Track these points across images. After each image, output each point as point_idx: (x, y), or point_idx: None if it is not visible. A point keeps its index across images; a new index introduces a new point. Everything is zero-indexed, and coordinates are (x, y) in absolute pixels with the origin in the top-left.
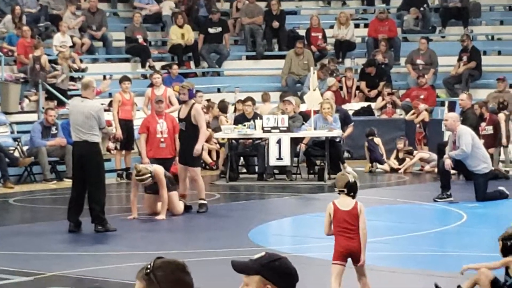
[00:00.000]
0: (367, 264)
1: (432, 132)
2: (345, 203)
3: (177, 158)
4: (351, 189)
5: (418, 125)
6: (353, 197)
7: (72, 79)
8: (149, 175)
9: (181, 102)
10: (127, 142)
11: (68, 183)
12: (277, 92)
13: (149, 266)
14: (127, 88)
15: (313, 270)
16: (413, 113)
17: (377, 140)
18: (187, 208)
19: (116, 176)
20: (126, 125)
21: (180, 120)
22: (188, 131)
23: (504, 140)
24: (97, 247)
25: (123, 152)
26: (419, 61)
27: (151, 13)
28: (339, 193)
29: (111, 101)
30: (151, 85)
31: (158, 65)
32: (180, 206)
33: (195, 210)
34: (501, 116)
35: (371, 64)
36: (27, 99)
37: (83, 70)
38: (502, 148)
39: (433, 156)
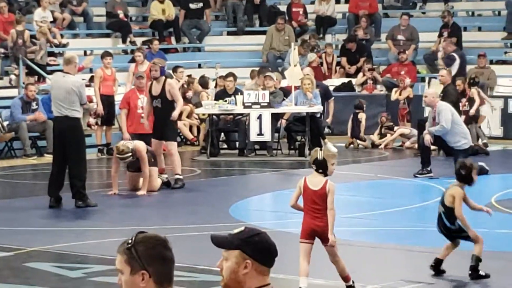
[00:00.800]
0: (347, 239)
1: (412, 108)
2: (315, 181)
3: None
4: (319, 166)
5: (402, 101)
6: (324, 174)
7: (52, 54)
8: (130, 153)
9: (153, 78)
10: (108, 118)
11: (48, 158)
12: (258, 68)
13: (130, 241)
14: (109, 64)
15: (293, 245)
16: (397, 90)
17: (361, 115)
18: (168, 184)
19: (97, 152)
20: (108, 100)
21: (154, 97)
22: (164, 107)
23: (472, 111)
24: (78, 223)
25: (104, 127)
26: (400, 37)
27: None
28: (311, 167)
29: (92, 77)
30: (134, 60)
31: (139, 40)
32: (157, 182)
33: (167, 186)
34: (474, 92)
35: (351, 40)
36: (13, 75)
37: (64, 46)
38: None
39: (414, 132)
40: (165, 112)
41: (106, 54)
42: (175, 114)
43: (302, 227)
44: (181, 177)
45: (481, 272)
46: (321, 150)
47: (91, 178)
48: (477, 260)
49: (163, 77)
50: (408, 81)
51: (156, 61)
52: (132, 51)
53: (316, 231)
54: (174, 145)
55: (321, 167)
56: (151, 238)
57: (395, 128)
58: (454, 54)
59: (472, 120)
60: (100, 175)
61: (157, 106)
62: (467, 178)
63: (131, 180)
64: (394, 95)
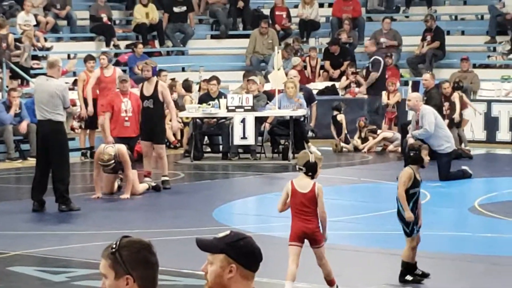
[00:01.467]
0: (331, 243)
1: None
2: (303, 184)
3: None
4: (310, 169)
5: (391, 106)
6: (312, 177)
7: (36, 58)
8: (113, 160)
9: (144, 79)
10: (92, 121)
11: (32, 162)
12: (242, 71)
13: (114, 245)
14: (92, 67)
15: (277, 249)
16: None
17: (340, 117)
18: (157, 189)
19: (80, 155)
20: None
21: (145, 97)
22: (155, 108)
23: (456, 116)
24: (61, 227)
25: (88, 131)
26: (382, 40)
27: None
28: (298, 171)
29: (75, 80)
30: (118, 64)
31: (122, 44)
32: (139, 186)
33: (156, 190)
34: (456, 95)
35: (335, 43)
36: None
37: (48, 49)
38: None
39: (397, 135)
40: (156, 113)
41: (89, 57)
42: (175, 124)
43: (291, 230)
44: (168, 178)
45: (408, 277)
46: (311, 153)
47: (74, 181)
48: (405, 265)
49: (155, 78)
50: (398, 84)
51: (148, 62)
52: (116, 55)
53: (306, 233)
54: (163, 147)
55: (312, 170)
56: (135, 242)
57: (378, 131)
58: (378, 57)
59: (454, 124)
60: (84, 178)
61: (148, 107)
62: (417, 159)
63: (106, 181)
64: (385, 99)
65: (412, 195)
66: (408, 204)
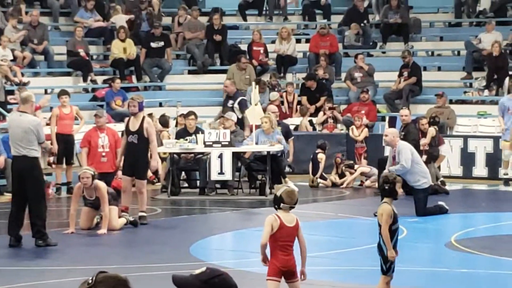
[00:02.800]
0: (308, 278)
1: (372, 147)
2: (289, 219)
3: (119, 172)
4: (295, 204)
5: (360, 141)
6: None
7: (13, 92)
8: (92, 172)
9: (131, 114)
10: (67, 156)
11: (8, 197)
12: (219, 107)
13: (90, 281)
14: (65, 102)
15: (254, 284)
16: (353, 128)
17: (321, 157)
18: (134, 224)
19: (55, 191)
20: (64, 139)
21: (130, 132)
22: (140, 144)
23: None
24: (38, 262)
25: (64, 166)
26: (357, 74)
27: (93, 27)
28: (290, 209)
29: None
30: (95, 99)
31: (100, 79)
32: (118, 221)
33: (133, 225)
34: (431, 130)
35: (311, 78)
36: None
37: (25, 84)
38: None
39: (374, 170)
40: (140, 148)
41: (62, 92)
42: (154, 164)
43: (273, 263)
44: (145, 214)
45: None
46: (295, 191)
47: (51, 216)
48: None
49: (142, 113)
50: (364, 121)
51: (134, 97)
52: (94, 90)
53: (288, 268)
54: (144, 183)
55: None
56: (111, 278)
57: (356, 166)
58: (244, 97)
59: (431, 159)
60: (60, 213)
61: (132, 142)
62: (392, 192)
63: (86, 216)
64: (354, 133)
65: (394, 231)
66: (391, 241)
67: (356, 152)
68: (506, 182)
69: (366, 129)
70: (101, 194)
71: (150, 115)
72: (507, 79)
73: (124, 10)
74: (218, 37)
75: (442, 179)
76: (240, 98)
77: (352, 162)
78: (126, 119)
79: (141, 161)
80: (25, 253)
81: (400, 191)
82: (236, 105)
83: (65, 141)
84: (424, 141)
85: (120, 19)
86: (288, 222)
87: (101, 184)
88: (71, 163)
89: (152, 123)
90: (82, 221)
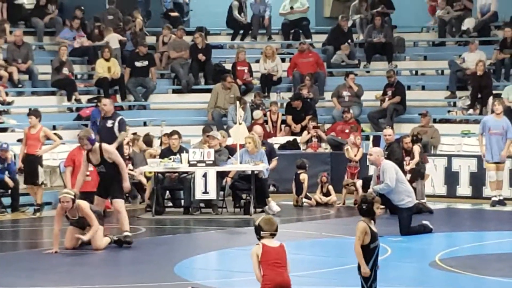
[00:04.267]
0: None
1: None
2: (272, 242)
3: None
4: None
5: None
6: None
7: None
8: (72, 196)
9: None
10: (32, 177)
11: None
12: (203, 126)
13: None
14: (31, 123)
15: None
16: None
17: (303, 177)
18: (119, 242)
19: (32, 212)
20: (28, 159)
21: (96, 165)
22: (108, 171)
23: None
24: (21, 282)
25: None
26: (345, 93)
27: (77, 47)
28: (271, 236)
29: None
30: (80, 118)
31: (84, 98)
32: (103, 241)
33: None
34: (416, 148)
35: (297, 98)
36: None
37: (9, 103)
38: (420, 180)
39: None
40: (110, 174)
41: (29, 113)
42: (126, 185)
43: (266, 284)
44: (130, 234)
45: None
46: (273, 218)
47: (34, 236)
48: None
49: (97, 145)
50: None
51: (81, 135)
52: (78, 109)
53: (283, 285)
54: (120, 202)
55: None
56: None
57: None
58: (122, 116)
59: (418, 176)
60: (41, 233)
61: (101, 171)
62: (370, 212)
63: (71, 236)
64: (350, 154)
65: (373, 249)
66: (370, 259)
67: (348, 171)
68: (499, 202)
69: (361, 149)
70: (85, 213)
71: (134, 134)
72: (490, 98)
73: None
74: (202, 57)
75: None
76: (120, 117)
77: (352, 181)
78: (85, 154)
79: (114, 183)
80: (8, 273)
81: (378, 211)
82: (116, 124)
83: (28, 161)
84: (414, 161)
85: (113, 38)
86: (272, 244)
87: (83, 204)
88: (35, 184)
89: (111, 150)
90: (66, 240)
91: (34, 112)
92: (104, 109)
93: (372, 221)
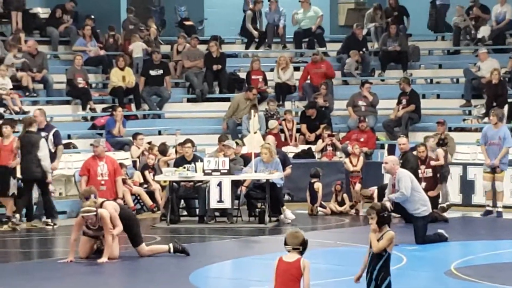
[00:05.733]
0: None
1: (371, 175)
2: (290, 256)
3: (118, 201)
4: (305, 247)
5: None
6: (302, 253)
7: (13, 121)
8: (94, 212)
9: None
10: (2, 188)
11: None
12: (218, 135)
13: None
14: (5, 133)
15: None
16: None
17: (317, 185)
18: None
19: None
20: (1, 171)
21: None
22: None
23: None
24: None
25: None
26: (361, 103)
27: (92, 56)
28: (292, 250)
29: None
30: (94, 127)
31: (99, 107)
32: (117, 250)
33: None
34: (440, 152)
35: (312, 106)
36: None
37: (24, 112)
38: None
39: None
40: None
41: (2, 122)
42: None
43: None
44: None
45: None
46: (299, 232)
47: (47, 245)
48: None
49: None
50: (361, 149)
51: (83, 213)
52: (93, 118)
53: None
54: (143, 246)
55: (306, 247)
56: None
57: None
58: (56, 128)
59: (442, 180)
60: (56, 243)
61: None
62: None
63: (84, 246)
64: (349, 166)
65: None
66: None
67: (351, 181)
68: (491, 212)
69: (362, 158)
70: (104, 223)
71: (149, 143)
72: (506, 106)
73: (123, 39)
74: (217, 67)
75: (445, 204)
76: (54, 130)
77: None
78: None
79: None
80: (24, 282)
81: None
82: (50, 137)
83: (1, 173)
84: (438, 163)
85: (137, 46)
86: (287, 258)
87: (105, 213)
88: (6, 196)
89: (105, 216)
90: (81, 250)
91: (9, 122)
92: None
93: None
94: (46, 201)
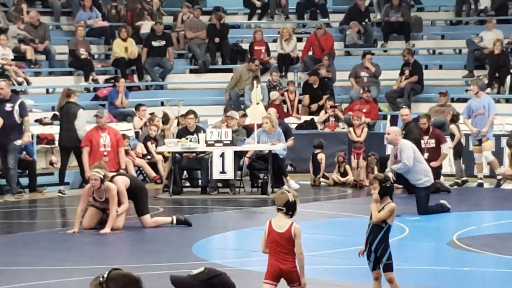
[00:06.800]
0: (309, 277)
1: (374, 146)
2: (280, 223)
3: (120, 172)
4: (289, 209)
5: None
6: (291, 216)
7: (15, 92)
8: (101, 175)
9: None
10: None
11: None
12: (220, 106)
13: (102, 278)
14: None
15: (256, 284)
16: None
17: (321, 157)
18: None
19: None
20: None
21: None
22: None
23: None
24: (40, 262)
25: None
26: (363, 74)
27: (94, 27)
28: (277, 211)
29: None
30: (97, 98)
31: (101, 78)
32: (121, 221)
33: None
34: (453, 127)
35: (314, 74)
36: None
37: (27, 83)
38: (454, 160)
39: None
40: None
41: None
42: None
43: (267, 268)
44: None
45: None
46: (289, 192)
47: (53, 216)
48: None
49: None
50: (363, 119)
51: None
52: (95, 89)
53: (282, 273)
54: (148, 216)
55: (292, 209)
56: (124, 276)
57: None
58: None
59: (457, 156)
60: (62, 213)
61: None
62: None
63: (91, 217)
64: (354, 136)
65: (368, 227)
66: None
67: (354, 152)
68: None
69: (366, 129)
70: (110, 195)
71: (152, 114)
72: (508, 77)
73: (125, 10)
74: (217, 40)
75: (460, 180)
76: (19, 101)
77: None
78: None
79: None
80: (26, 252)
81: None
82: (16, 107)
83: None
84: (455, 139)
85: (146, 25)
86: (277, 227)
87: (112, 186)
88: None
89: (111, 187)
90: (85, 220)
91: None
92: (1, 92)
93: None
94: (82, 168)
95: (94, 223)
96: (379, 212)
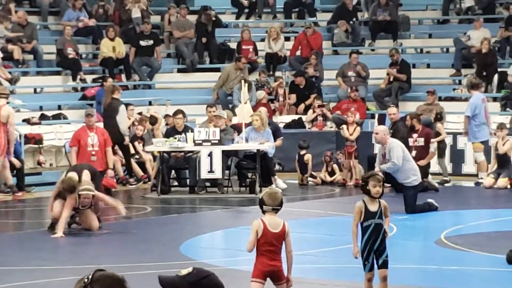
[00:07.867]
0: (297, 276)
1: (362, 145)
2: (274, 223)
3: (109, 171)
4: (281, 207)
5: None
6: (277, 212)
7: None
8: (93, 193)
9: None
10: None
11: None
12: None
13: (86, 279)
14: None
15: (243, 283)
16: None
17: (307, 157)
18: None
19: None
20: None
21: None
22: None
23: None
24: (27, 262)
25: None
26: (350, 73)
27: (82, 26)
28: (272, 210)
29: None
30: (84, 98)
31: (89, 78)
32: (96, 222)
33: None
34: (440, 126)
35: (300, 75)
36: None
37: (16, 81)
38: (438, 159)
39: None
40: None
41: None
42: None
43: (257, 267)
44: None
45: None
46: (278, 192)
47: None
48: None
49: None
50: (357, 117)
51: (83, 191)
52: (83, 89)
53: (273, 271)
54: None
55: (281, 206)
56: (108, 277)
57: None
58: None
59: (442, 154)
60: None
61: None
62: (363, 190)
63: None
64: (346, 133)
65: (365, 228)
66: (362, 238)
67: (345, 150)
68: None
69: (358, 128)
70: (96, 204)
71: (140, 113)
72: (496, 75)
73: (113, 9)
74: (205, 40)
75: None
76: None
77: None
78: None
79: None
80: (14, 252)
81: (375, 189)
82: None
83: None
84: (440, 138)
85: (136, 11)
86: (272, 227)
87: (100, 196)
88: None
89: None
90: (54, 211)
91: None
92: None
93: (375, 199)
94: (127, 161)
95: (93, 222)
96: (381, 210)
